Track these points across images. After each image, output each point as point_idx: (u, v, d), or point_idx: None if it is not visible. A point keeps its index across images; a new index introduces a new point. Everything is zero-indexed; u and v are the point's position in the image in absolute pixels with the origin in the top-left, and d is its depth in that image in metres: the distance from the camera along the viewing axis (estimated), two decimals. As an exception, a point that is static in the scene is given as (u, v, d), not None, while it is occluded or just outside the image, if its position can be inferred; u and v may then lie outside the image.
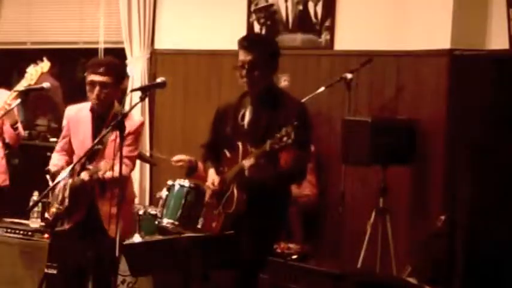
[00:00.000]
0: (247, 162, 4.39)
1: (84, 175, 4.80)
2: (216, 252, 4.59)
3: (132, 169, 5.12)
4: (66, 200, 4.92)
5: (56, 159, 5.13)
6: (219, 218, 4.68)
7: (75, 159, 4.99)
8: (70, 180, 4.93)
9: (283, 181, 4.62)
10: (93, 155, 4.88)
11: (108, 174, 4.68)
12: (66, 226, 5.04)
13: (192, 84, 7.19)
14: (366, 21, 6.34)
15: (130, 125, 4.87)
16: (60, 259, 5.67)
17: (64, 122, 5.17)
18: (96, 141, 4.66)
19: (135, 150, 5.06)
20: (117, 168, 4.30)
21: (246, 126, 4.62)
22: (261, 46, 4.61)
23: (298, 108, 4.60)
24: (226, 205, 4.59)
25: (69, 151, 5.10)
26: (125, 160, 4.81)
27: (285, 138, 4.18)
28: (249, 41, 4.64)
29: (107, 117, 4.93)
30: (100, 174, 4.71)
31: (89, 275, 5.13)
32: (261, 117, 4.57)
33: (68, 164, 4.93)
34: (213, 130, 4.86)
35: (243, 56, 4.56)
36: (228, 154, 4.67)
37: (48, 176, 5.07)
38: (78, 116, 5.07)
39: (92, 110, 5.01)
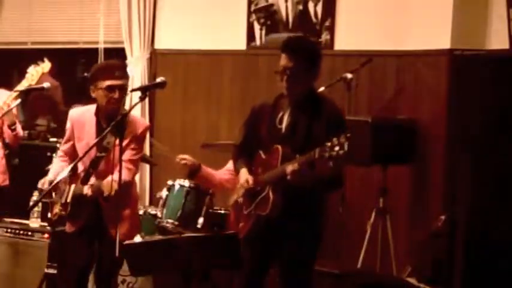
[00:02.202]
0: (290, 167, 4.28)
1: (88, 190, 4.76)
2: (216, 252, 4.59)
3: (135, 173, 5.10)
4: (69, 206, 4.91)
5: (58, 166, 5.09)
6: (248, 218, 4.61)
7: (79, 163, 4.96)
8: (73, 186, 4.92)
9: (321, 188, 4.54)
10: (98, 161, 4.87)
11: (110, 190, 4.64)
12: (69, 230, 5.02)
13: (192, 84, 7.19)
14: (366, 21, 6.34)
15: (135, 128, 4.86)
16: (60, 259, 5.68)
17: (68, 125, 5.12)
18: (96, 140, 4.65)
19: (139, 154, 5.03)
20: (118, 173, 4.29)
21: (283, 130, 4.53)
22: (304, 53, 4.48)
23: (337, 114, 4.53)
24: (259, 206, 4.52)
25: (72, 155, 5.05)
26: (128, 165, 4.80)
27: (336, 148, 4.07)
28: (292, 46, 4.52)
29: (113, 120, 4.91)
30: (105, 194, 4.67)
31: (89, 275, 5.12)
32: (300, 122, 4.48)
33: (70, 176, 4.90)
34: (247, 129, 4.74)
35: (284, 61, 4.45)
36: (263, 155, 4.60)
37: (42, 182, 5.04)
38: (82, 119, 5.04)
39: (97, 113, 4.99)
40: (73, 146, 5.07)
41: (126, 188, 4.81)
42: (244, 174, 4.63)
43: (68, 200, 4.91)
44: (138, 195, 5.51)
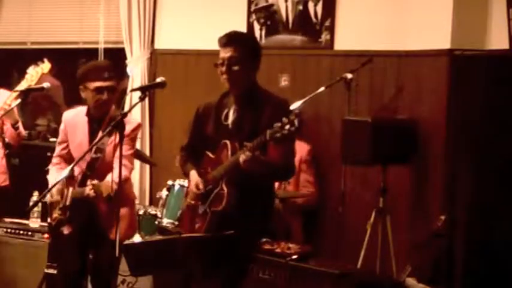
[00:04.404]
0: (242, 156, 4.30)
1: (90, 191, 4.75)
2: (216, 252, 4.59)
3: (132, 168, 5.11)
4: (68, 209, 4.91)
5: (55, 173, 5.08)
6: (203, 217, 4.61)
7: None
8: (71, 189, 4.92)
9: (275, 176, 4.60)
10: (94, 163, 4.88)
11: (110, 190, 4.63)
12: (66, 231, 5.02)
13: (192, 84, 7.19)
14: (366, 21, 6.34)
15: (126, 126, 4.86)
16: (60, 259, 5.67)
17: (61, 126, 5.13)
18: (94, 143, 4.66)
19: (131, 150, 5.05)
20: (117, 172, 4.28)
21: (230, 125, 4.57)
22: (240, 42, 4.57)
23: (283, 106, 4.54)
24: (213, 203, 4.53)
25: (68, 159, 5.06)
26: (124, 161, 4.80)
27: (287, 126, 4.10)
28: (227, 38, 4.61)
29: (104, 121, 4.92)
30: (104, 195, 4.67)
31: (89, 276, 5.12)
32: (246, 116, 4.53)
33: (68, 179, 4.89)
34: (193, 131, 4.79)
35: (222, 53, 4.56)
36: (211, 155, 4.63)
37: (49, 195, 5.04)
38: (74, 121, 5.05)
39: (88, 114, 4.99)
40: (68, 149, 5.07)
41: (124, 185, 4.82)
42: (193, 177, 4.65)
43: (67, 204, 4.91)
44: (135, 195, 5.51)
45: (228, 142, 4.50)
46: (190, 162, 4.75)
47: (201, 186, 4.58)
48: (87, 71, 4.99)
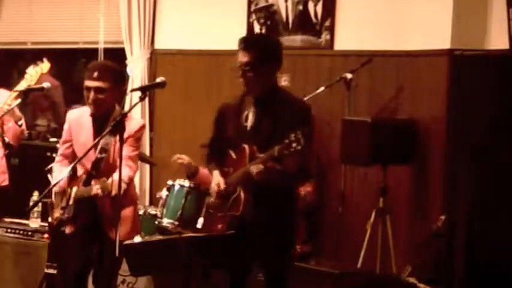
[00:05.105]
0: (254, 169, 4.36)
1: (97, 190, 4.73)
2: (216, 252, 4.59)
3: (136, 169, 5.11)
4: (72, 209, 4.91)
5: (58, 171, 5.07)
6: (224, 220, 4.65)
7: (78, 166, 4.96)
8: (75, 189, 4.92)
9: (288, 181, 4.58)
10: (99, 163, 4.88)
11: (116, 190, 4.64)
12: (68, 231, 5.02)
13: (192, 84, 7.19)
14: (366, 21, 6.34)
15: (129, 127, 4.86)
16: (60, 259, 5.68)
17: (66, 126, 5.12)
18: (94, 143, 4.65)
19: (136, 151, 5.05)
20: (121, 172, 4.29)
21: (249, 128, 4.58)
22: (259, 47, 4.53)
23: (301, 108, 4.56)
24: (232, 207, 4.56)
25: (72, 157, 5.05)
26: (128, 162, 4.81)
27: (294, 144, 4.15)
28: (247, 42, 4.59)
29: (108, 121, 4.92)
30: (113, 194, 4.68)
31: (88, 277, 5.12)
32: (264, 119, 4.53)
33: (71, 175, 4.90)
34: (215, 129, 4.81)
35: (240, 57, 4.52)
36: (233, 155, 4.64)
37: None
38: (79, 120, 5.05)
39: (92, 114, 5.00)
40: (71, 148, 5.07)
41: (128, 186, 4.83)
42: (216, 177, 4.68)
43: (70, 203, 4.91)
44: (138, 195, 5.51)
45: (246, 148, 4.51)
46: (214, 162, 4.77)
47: (222, 186, 4.61)
48: (86, 69, 5.02)
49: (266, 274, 4.66)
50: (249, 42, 4.60)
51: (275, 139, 4.31)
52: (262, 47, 4.57)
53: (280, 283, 4.59)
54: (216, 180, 4.67)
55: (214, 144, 4.82)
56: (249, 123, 4.59)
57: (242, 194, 4.49)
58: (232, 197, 4.56)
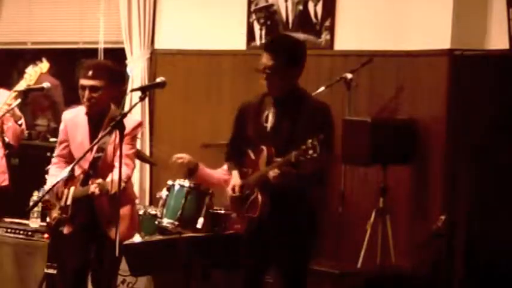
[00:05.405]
0: (271, 173, 4.38)
1: (95, 189, 4.74)
2: (216, 252, 4.60)
3: (133, 168, 5.10)
4: (70, 209, 4.91)
5: (54, 171, 5.08)
6: (242, 221, 4.67)
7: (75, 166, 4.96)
8: (73, 189, 4.92)
9: (306, 184, 4.55)
10: (96, 162, 4.87)
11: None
12: (66, 231, 5.02)
13: (192, 84, 7.19)
14: (366, 21, 6.34)
15: (126, 125, 4.86)
16: (60, 259, 5.67)
17: (61, 126, 5.12)
18: (94, 143, 4.65)
19: (133, 149, 5.04)
20: (117, 171, 4.28)
21: (269, 129, 4.56)
22: (279, 50, 4.48)
23: (322, 111, 4.53)
24: (250, 209, 4.57)
25: (68, 157, 5.05)
26: (125, 160, 4.80)
27: (310, 151, 4.17)
28: (268, 44, 4.57)
29: (103, 120, 4.92)
30: (111, 192, 4.68)
31: (89, 275, 5.12)
32: (284, 120, 4.51)
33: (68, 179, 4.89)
34: (235, 128, 4.78)
35: (265, 59, 4.47)
36: (252, 155, 4.63)
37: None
38: (75, 120, 5.04)
39: (87, 113, 5.00)
40: (68, 148, 5.06)
41: (126, 184, 4.83)
42: (234, 178, 4.68)
43: (68, 203, 4.90)
44: (136, 194, 5.51)
45: (264, 149, 4.51)
46: (233, 161, 4.78)
47: (237, 190, 4.61)
48: (81, 67, 5.01)
49: (282, 275, 4.64)
50: (275, 45, 4.56)
51: (294, 142, 4.31)
52: (288, 51, 4.52)
53: (297, 284, 4.59)
54: (233, 182, 4.66)
55: (234, 143, 4.80)
56: (269, 124, 4.56)
57: (260, 197, 4.50)
58: (250, 199, 4.56)
